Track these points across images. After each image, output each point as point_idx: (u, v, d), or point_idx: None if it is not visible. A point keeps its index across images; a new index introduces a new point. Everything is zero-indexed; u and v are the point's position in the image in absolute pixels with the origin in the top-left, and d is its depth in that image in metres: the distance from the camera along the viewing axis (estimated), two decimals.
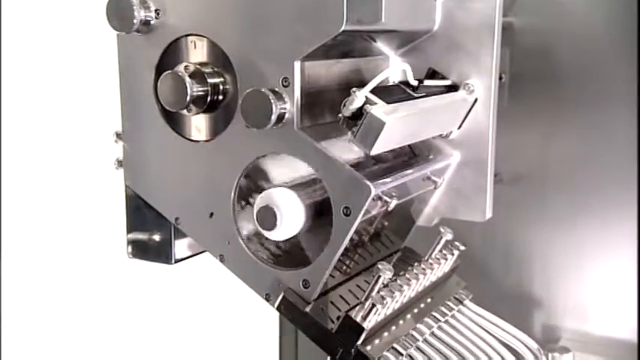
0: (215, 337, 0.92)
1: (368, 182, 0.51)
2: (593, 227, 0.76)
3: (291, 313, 0.55)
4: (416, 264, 0.62)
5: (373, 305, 0.54)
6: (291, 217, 0.54)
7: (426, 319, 0.62)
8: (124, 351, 0.80)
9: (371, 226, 0.67)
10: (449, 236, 0.65)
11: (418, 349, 0.58)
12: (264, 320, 1.00)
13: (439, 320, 0.63)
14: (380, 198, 0.55)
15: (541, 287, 0.78)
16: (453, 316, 0.65)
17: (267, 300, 0.57)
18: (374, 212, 0.57)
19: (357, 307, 0.55)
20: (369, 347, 0.54)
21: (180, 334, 0.87)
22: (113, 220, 0.67)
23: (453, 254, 0.65)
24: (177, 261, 0.62)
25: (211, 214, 0.58)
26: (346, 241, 0.53)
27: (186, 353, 0.87)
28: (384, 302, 0.54)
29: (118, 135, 0.60)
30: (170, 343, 0.86)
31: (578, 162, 0.77)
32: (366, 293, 0.55)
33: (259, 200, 0.54)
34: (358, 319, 0.54)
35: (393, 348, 0.56)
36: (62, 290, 0.76)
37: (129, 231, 0.63)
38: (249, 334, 0.98)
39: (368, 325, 0.53)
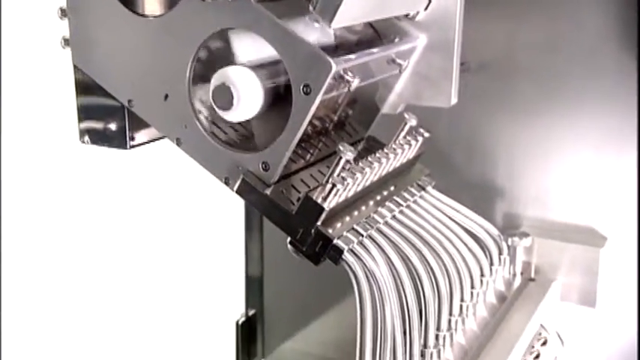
0: (179, 226, 0.92)
1: (329, 58, 0.49)
2: (558, 117, 0.76)
3: (250, 195, 0.54)
4: (379, 150, 0.61)
5: (333, 186, 0.53)
6: (248, 97, 0.52)
7: (388, 204, 0.62)
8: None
9: (334, 113, 0.66)
10: (413, 122, 0.64)
11: (379, 230, 0.58)
12: (230, 209, 1.00)
13: (401, 205, 0.63)
14: (341, 77, 0.53)
15: (504, 177, 0.79)
16: (415, 202, 0.65)
17: (227, 184, 0.56)
18: (335, 93, 0.55)
19: (318, 189, 0.55)
20: (329, 229, 0.54)
21: (146, 230, 0.86)
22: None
23: (417, 140, 0.64)
24: (133, 146, 0.60)
25: (166, 96, 0.55)
26: (306, 121, 0.51)
27: (150, 248, 0.87)
28: (345, 183, 0.53)
29: (62, 11, 0.56)
30: (134, 236, 0.85)
31: (545, 50, 0.75)
32: (327, 175, 0.54)
33: (215, 78, 0.52)
34: (319, 199, 0.53)
35: (353, 229, 0.56)
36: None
37: (81, 118, 0.61)
38: (216, 224, 0.98)
39: (328, 205, 0.53)
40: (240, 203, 1.00)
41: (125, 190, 0.83)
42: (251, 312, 1.04)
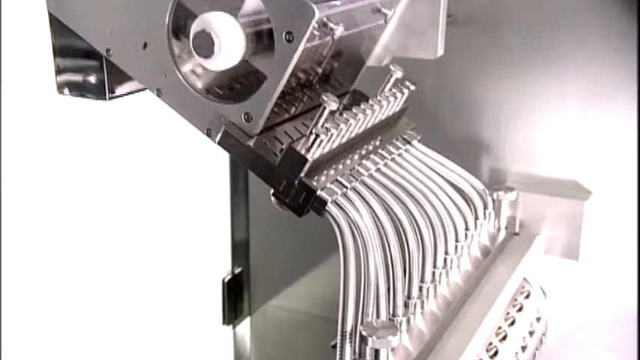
0: (164, 188, 0.91)
1: (312, 4, 0.48)
2: (545, 71, 0.75)
3: (233, 147, 0.54)
4: (364, 102, 0.60)
5: (317, 136, 0.52)
6: (229, 44, 0.50)
7: (373, 157, 0.61)
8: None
9: (319, 66, 0.65)
10: (399, 74, 0.63)
11: (363, 183, 0.58)
12: (215, 174, 0.99)
13: (386, 158, 0.62)
14: (325, 24, 0.52)
15: (490, 132, 0.78)
16: (400, 155, 0.64)
17: (209, 135, 0.55)
18: (319, 42, 0.54)
19: (302, 140, 0.54)
20: (313, 181, 0.53)
21: (130, 188, 0.85)
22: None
23: (402, 93, 0.63)
24: (112, 97, 0.58)
25: (145, 45, 0.54)
26: (289, 70, 0.50)
27: (133, 205, 0.86)
28: (329, 134, 0.53)
29: None
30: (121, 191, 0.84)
31: (533, 3, 0.74)
32: (311, 126, 0.53)
33: (195, 25, 0.50)
34: (302, 151, 0.52)
35: (337, 181, 0.55)
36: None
37: (58, 70, 0.59)
38: (201, 189, 0.97)
39: (311, 156, 0.52)
40: (225, 167, 0.99)
41: (109, 148, 0.82)
42: (237, 270, 1.04)
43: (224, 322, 1.04)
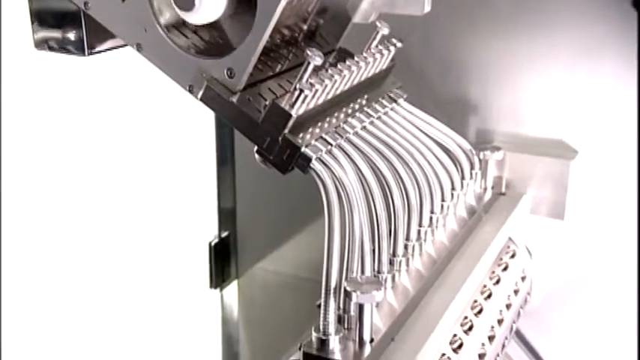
0: (148, 152, 0.90)
1: None
2: (533, 31, 0.74)
3: (216, 104, 0.53)
4: (349, 59, 0.59)
5: (301, 92, 0.51)
6: None
7: (358, 115, 0.60)
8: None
9: (304, 22, 0.64)
10: (385, 31, 0.62)
11: (348, 141, 0.57)
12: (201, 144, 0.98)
13: (372, 116, 0.61)
14: None
15: (477, 92, 0.78)
16: (386, 114, 0.64)
17: (191, 92, 0.54)
18: None
19: (286, 96, 0.53)
20: (298, 138, 0.53)
21: (116, 149, 0.84)
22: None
23: (389, 50, 0.62)
24: (92, 53, 0.57)
25: None
26: (272, 24, 0.49)
27: (117, 167, 0.86)
28: (313, 90, 0.52)
29: None
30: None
31: None
32: (295, 81, 0.52)
33: None
34: (286, 106, 0.51)
35: (322, 138, 0.54)
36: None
37: (36, 27, 0.57)
38: (187, 157, 0.96)
39: (296, 112, 0.51)
40: (211, 129, 0.98)
41: (94, 110, 0.81)
42: (224, 234, 1.04)
43: (211, 286, 1.04)
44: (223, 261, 1.04)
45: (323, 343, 0.48)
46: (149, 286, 0.93)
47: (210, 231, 1.03)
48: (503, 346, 0.68)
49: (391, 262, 0.58)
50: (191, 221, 1.00)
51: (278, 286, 1.02)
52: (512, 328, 0.71)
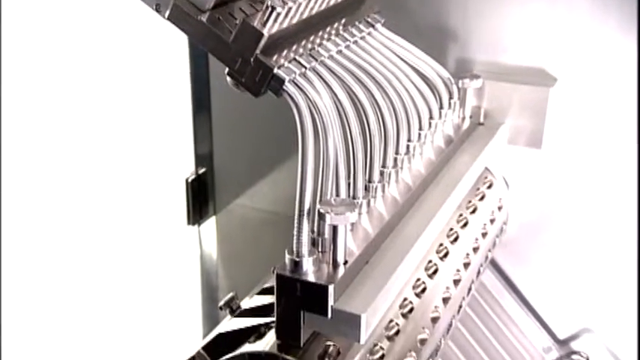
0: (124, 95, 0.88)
1: None
2: None
3: (184, 23, 0.50)
4: None
5: (273, 9, 0.49)
6: None
7: (334, 38, 0.58)
8: None
9: None
10: None
11: (323, 64, 0.55)
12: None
13: (348, 40, 0.60)
14: None
15: (457, 20, 0.76)
16: (363, 38, 0.62)
17: (158, 11, 0.51)
18: None
19: (258, 15, 0.51)
20: (270, 59, 0.51)
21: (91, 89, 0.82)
22: None
23: None
24: None
25: None
26: None
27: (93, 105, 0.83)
28: (286, 7, 0.50)
29: None
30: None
31: None
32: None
33: None
34: (257, 25, 0.49)
35: (295, 60, 0.53)
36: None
37: None
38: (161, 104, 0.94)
39: (268, 31, 0.49)
40: (185, 57, 0.95)
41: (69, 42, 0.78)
42: (201, 170, 1.02)
43: (189, 223, 1.03)
44: (200, 198, 1.03)
45: (296, 264, 0.47)
46: (127, 224, 0.92)
47: (187, 168, 1.02)
48: (479, 273, 0.69)
49: (367, 189, 0.57)
50: (167, 158, 0.98)
51: (256, 222, 1.02)
52: (487, 257, 0.72)
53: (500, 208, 0.74)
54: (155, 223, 0.98)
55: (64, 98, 0.79)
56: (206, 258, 1.06)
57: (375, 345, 0.52)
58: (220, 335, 0.53)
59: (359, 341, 0.47)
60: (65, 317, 0.84)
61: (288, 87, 0.51)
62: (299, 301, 0.47)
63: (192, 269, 1.06)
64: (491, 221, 0.72)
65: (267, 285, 0.58)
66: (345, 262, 0.49)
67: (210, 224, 1.05)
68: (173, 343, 0.99)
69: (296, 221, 0.48)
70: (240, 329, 0.52)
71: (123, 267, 0.92)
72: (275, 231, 0.97)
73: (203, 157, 1.02)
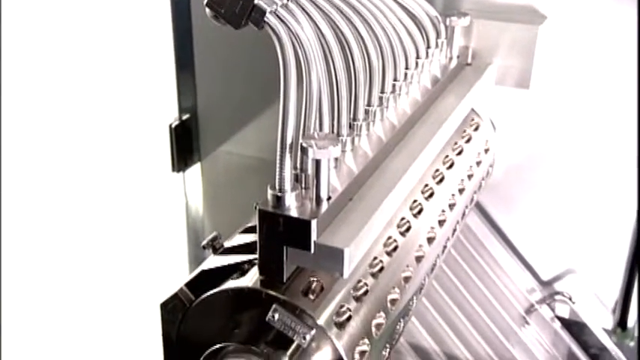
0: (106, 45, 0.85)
1: None
2: None
3: None
4: None
5: None
6: None
7: None
8: None
9: None
10: None
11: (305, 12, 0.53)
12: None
13: None
14: None
15: None
16: None
17: None
18: None
19: None
20: None
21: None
22: None
23: None
24: None
25: None
26: None
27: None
28: None
29: None
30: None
31: None
32: None
33: None
34: None
35: None
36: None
37: None
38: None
39: None
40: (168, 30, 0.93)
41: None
42: (185, 116, 1.01)
43: (174, 169, 1.02)
44: (185, 144, 1.02)
45: (279, 200, 0.47)
46: (110, 171, 0.91)
47: (170, 114, 1.00)
48: (464, 214, 0.69)
49: (351, 127, 0.56)
50: (150, 103, 0.96)
51: (241, 169, 1.01)
52: (472, 199, 0.71)
53: (486, 151, 0.74)
54: (140, 170, 0.97)
55: (46, 48, 0.77)
56: (191, 205, 1.06)
57: (359, 281, 0.52)
58: (203, 272, 0.52)
59: (342, 276, 0.46)
60: (53, 266, 0.84)
61: (270, 19, 0.49)
62: (281, 236, 0.47)
63: (177, 216, 1.05)
64: (478, 163, 0.71)
65: (250, 224, 0.58)
66: (329, 198, 0.48)
67: (195, 171, 1.04)
68: (160, 287, 0.99)
69: (278, 157, 0.48)
70: (224, 266, 0.52)
71: (109, 215, 0.91)
72: (260, 177, 0.96)
73: (187, 103, 1.00)
